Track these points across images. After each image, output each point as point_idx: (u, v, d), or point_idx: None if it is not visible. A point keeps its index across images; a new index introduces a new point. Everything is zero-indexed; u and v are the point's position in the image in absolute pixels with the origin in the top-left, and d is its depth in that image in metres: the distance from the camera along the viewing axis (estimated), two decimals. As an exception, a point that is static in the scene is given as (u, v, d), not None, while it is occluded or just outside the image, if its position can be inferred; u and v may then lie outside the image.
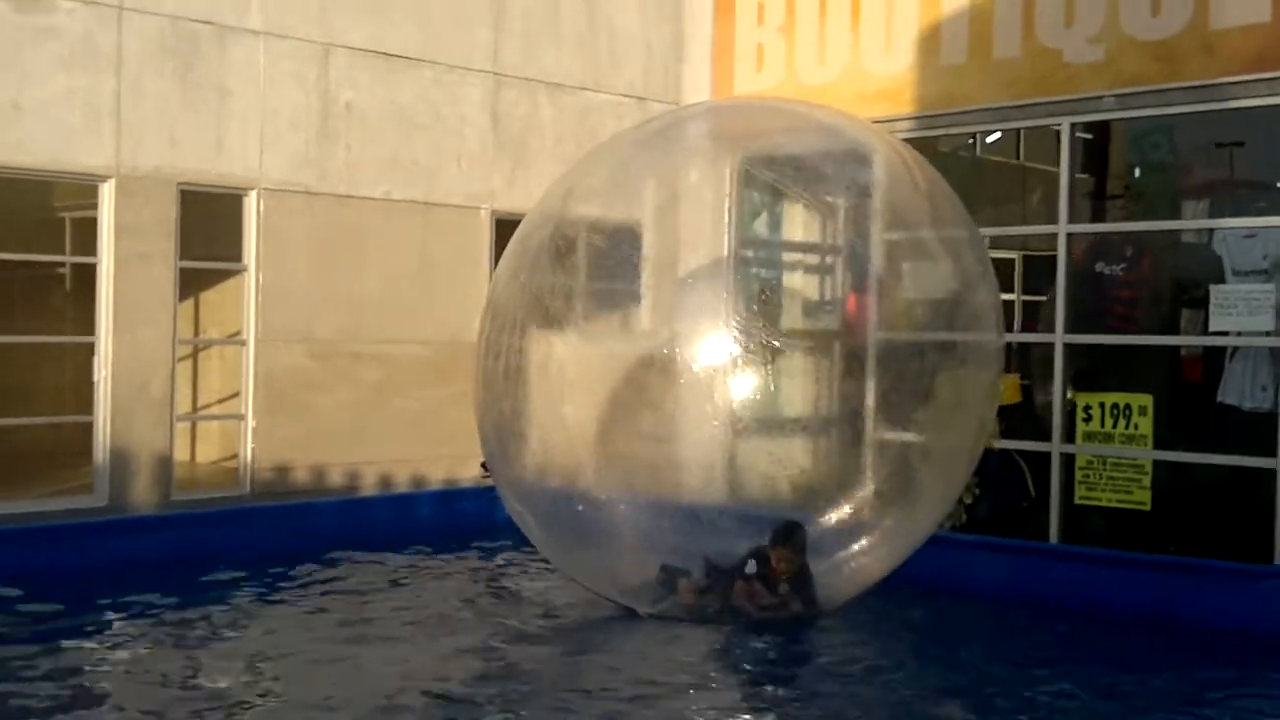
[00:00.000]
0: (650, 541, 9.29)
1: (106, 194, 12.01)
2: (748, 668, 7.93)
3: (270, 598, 9.87)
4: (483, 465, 9.07)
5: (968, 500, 10.07)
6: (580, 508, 9.87)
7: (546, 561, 9.68)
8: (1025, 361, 10.53)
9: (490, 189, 14.51)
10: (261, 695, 7.17)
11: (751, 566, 8.62)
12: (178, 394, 15.22)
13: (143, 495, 12.25)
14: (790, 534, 8.74)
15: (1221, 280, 9.06)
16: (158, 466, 12.35)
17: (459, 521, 12.49)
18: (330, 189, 13.38)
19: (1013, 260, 11.91)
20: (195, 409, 15.29)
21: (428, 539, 11.66)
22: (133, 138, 12.07)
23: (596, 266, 10.40)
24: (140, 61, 12.04)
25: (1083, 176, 10.37)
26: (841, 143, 9.15)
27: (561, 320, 10.28)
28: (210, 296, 15.16)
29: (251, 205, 12.93)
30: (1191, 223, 9.78)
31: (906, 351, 9.61)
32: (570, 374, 12.62)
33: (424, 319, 14.00)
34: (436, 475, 13.98)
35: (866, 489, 9.41)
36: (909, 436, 9.11)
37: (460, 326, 13.66)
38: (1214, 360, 9.35)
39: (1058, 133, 9.80)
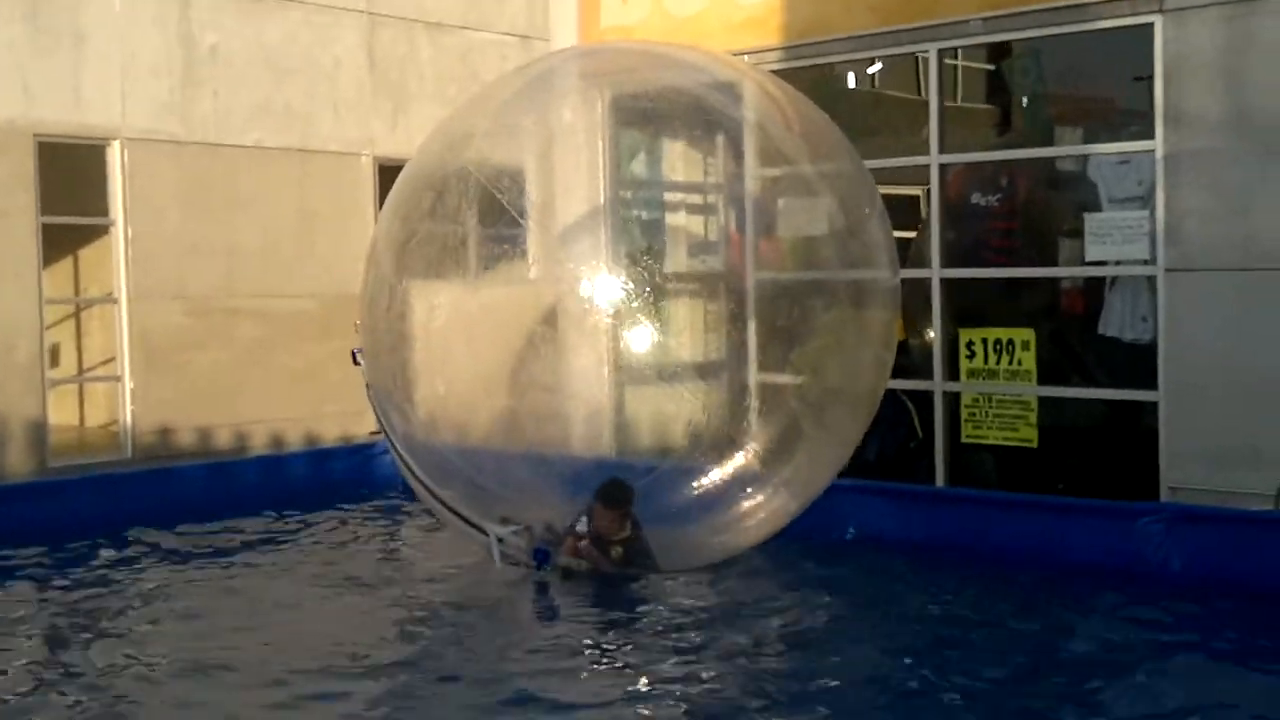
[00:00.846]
0: (526, 496, 9.00)
1: (-44, 149, 11.46)
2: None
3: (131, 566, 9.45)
4: (354, 354, 8.71)
5: (855, 442, 9.86)
6: (464, 462, 9.56)
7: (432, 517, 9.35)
8: (906, 299, 10.30)
9: (370, 135, 14.04)
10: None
11: (583, 524, 8.21)
12: (65, 357, 14.90)
13: (15, 463, 11.79)
14: (611, 496, 8.29)
15: (1098, 209, 8.86)
16: (31, 433, 11.89)
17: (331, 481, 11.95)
18: (198, 137, 12.87)
19: (917, 197, 11.65)
20: (81, 371, 14.76)
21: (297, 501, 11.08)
22: (-17, 89, 11.51)
23: (481, 214, 10.04)
24: (-15, 7, 11.47)
25: (958, 105, 10.13)
26: (710, 79, 8.83)
27: (445, 269, 9.92)
28: (89, 254, 14.58)
29: (115, 156, 12.40)
30: (1062, 149, 9.56)
31: (788, 292, 9.38)
32: (456, 324, 12.33)
33: (305, 272, 13.55)
34: (329, 433, 13.59)
35: (753, 437, 9.18)
36: (795, 380, 8.88)
37: (345, 279, 13.16)
38: (1095, 292, 9.17)
39: (923, 60, 9.56)
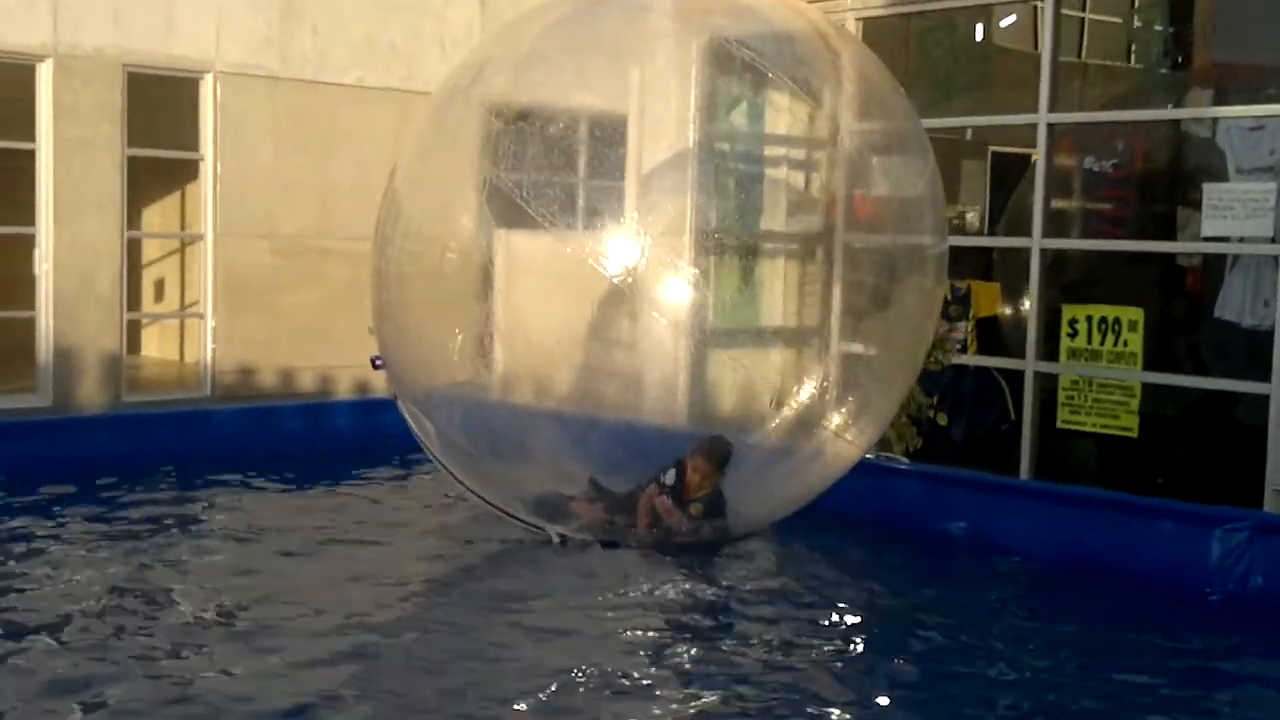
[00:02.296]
0: (571, 458, 8.39)
1: (44, 75, 11.26)
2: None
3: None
4: (374, 360, 8.12)
5: (942, 423, 9.05)
6: (507, 420, 9.02)
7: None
8: (1002, 270, 9.40)
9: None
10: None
11: (670, 476, 7.69)
12: (169, 293, 14.81)
13: (90, 395, 11.63)
14: (713, 448, 7.79)
15: (1224, 179, 7.85)
16: (106, 366, 11.70)
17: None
18: (295, 74, 12.51)
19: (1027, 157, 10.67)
20: (184, 307, 14.62)
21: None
22: (72, 15, 11.27)
23: (560, 159, 9.44)
24: (79, -67, 11.23)
25: (1079, 61, 9.14)
26: (797, 29, 8.09)
27: (519, 218, 9.33)
28: (195, 190, 14.40)
29: (208, 90, 12.11)
30: (1186, 111, 8.51)
31: (871, 257, 8.61)
32: (534, 277, 11.78)
33: (401, 214, 13.12)
34: (417, 380, 13.17)
35: (822, 405, 8.46)
36: (863, 349, 8.13)
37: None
38: (1215, 271, 8.17)
39: (1036, 9, 8.58)
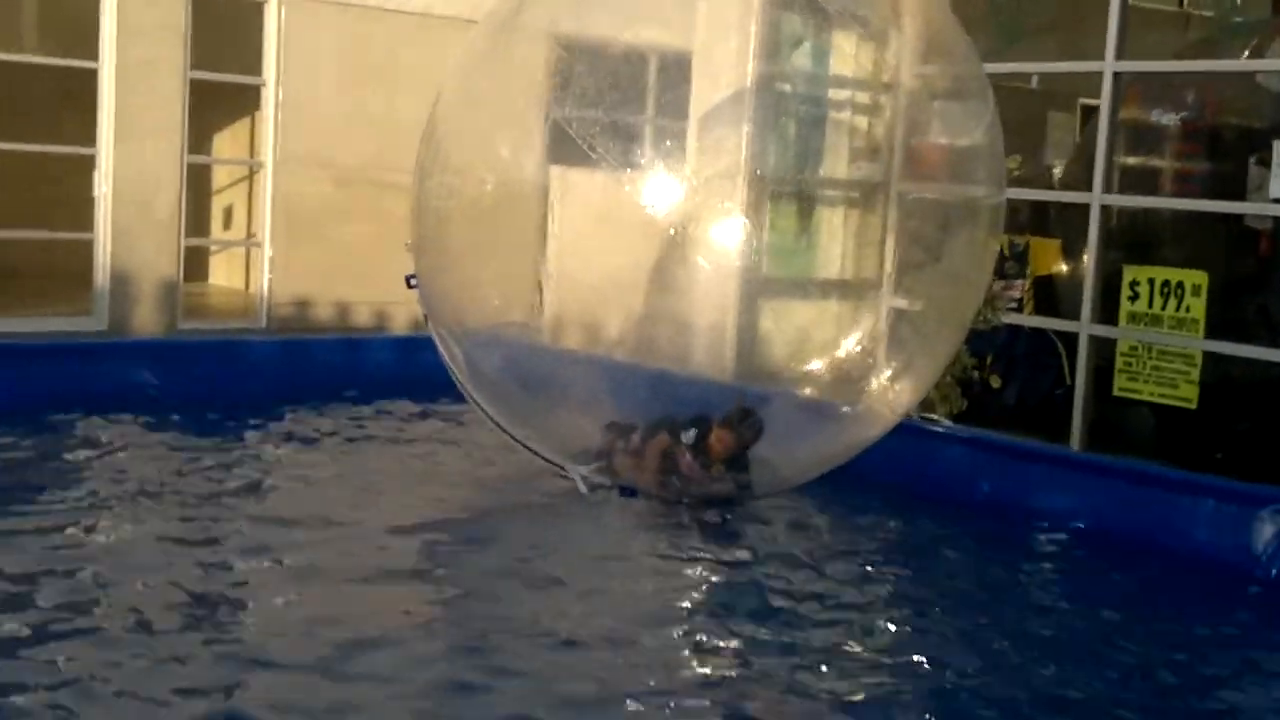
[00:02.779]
0: (606, 403, 8.15)
1: (108, -7, 11.19)
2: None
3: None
4: (409, 279, 7.87)
5: (995, 385, 8.68)
6: (545, 361, 8.81)
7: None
8: (1062, 228, 8.94)
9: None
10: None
11: (690, 435, 7.38)
12: (237, 220, 14.76)
13: (146, 321, 11.63)
14: (743, 426, 7.45)
15: (1294, 137, 7.36)
16: (163, 292, 11.70)
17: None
18: (361, 0, 12.33)
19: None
20: (249, 236, 14.58)
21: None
22: (137, -65, 11.19)
23: (615, 97, 9.16)
24: None
25: (1149, 6, 8.63)
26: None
27: (571, 156, 9.07)
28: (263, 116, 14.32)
29: (272, 14, 11.98)
30: (1261, 63, 7.97)
31: (928, 207, 8.24)
32: (587, 218, 11.53)
33: (465, 149, 12.92)
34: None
35: (865, 363, 8.15)
36: (916, 305, 7.78)
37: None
38: (1284, 235, 7.71)
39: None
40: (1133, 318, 8.14)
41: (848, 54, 9.59)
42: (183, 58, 11.52)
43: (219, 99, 13.03)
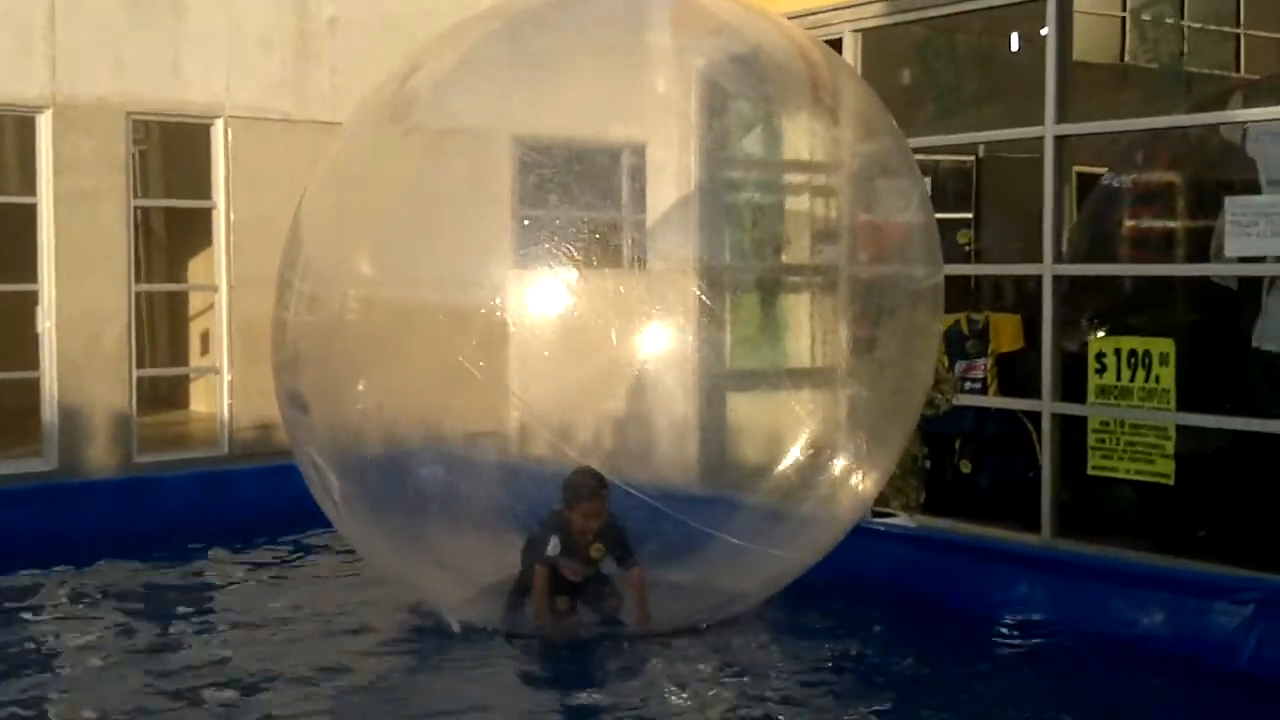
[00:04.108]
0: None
1: (43, 126, 10.92)
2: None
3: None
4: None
5: (965, 470, 8.10)
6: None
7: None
8: (1029, 301, 8.38)
9: (507, 109, 12.88)
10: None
11: (555, 545, 6.79)
12: (199, 344, 14.41)
13: (99, 458, 11.21)
14: (586, 486, 6.89)
15: (1256, 191, 6.79)
16: (116, 426, 11.28)
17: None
18: (312, 116, 12.03)
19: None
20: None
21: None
22: (70, 63, 10.93)
23: (562, 193, 8.77)
24: (74, -23, 10.88)
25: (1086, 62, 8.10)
26: (780, 48, 7.32)
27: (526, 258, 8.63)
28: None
29: (219, 135, 11.69)
30: (1204, 117, 7.41)
31: (876, 288, 7.73)
32: (544, 321, 11.05)
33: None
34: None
35: (833, 455, 7.58)
36: (862, 391, 7.25)
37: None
38: (1253, 294, 7.10)
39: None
40: (1102, 391, 7.54)
41: (795, 136, 9.18)
42: (126, 186, 11.22)
43: (193, 224, 12.77)
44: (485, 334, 10.21)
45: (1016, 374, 8.15)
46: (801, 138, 8.18)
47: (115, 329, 11.23)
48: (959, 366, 7.99)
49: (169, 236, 14.90)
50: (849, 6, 8.33)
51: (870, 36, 8.41)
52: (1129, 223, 7.92)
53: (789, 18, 8.03)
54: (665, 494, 8.28)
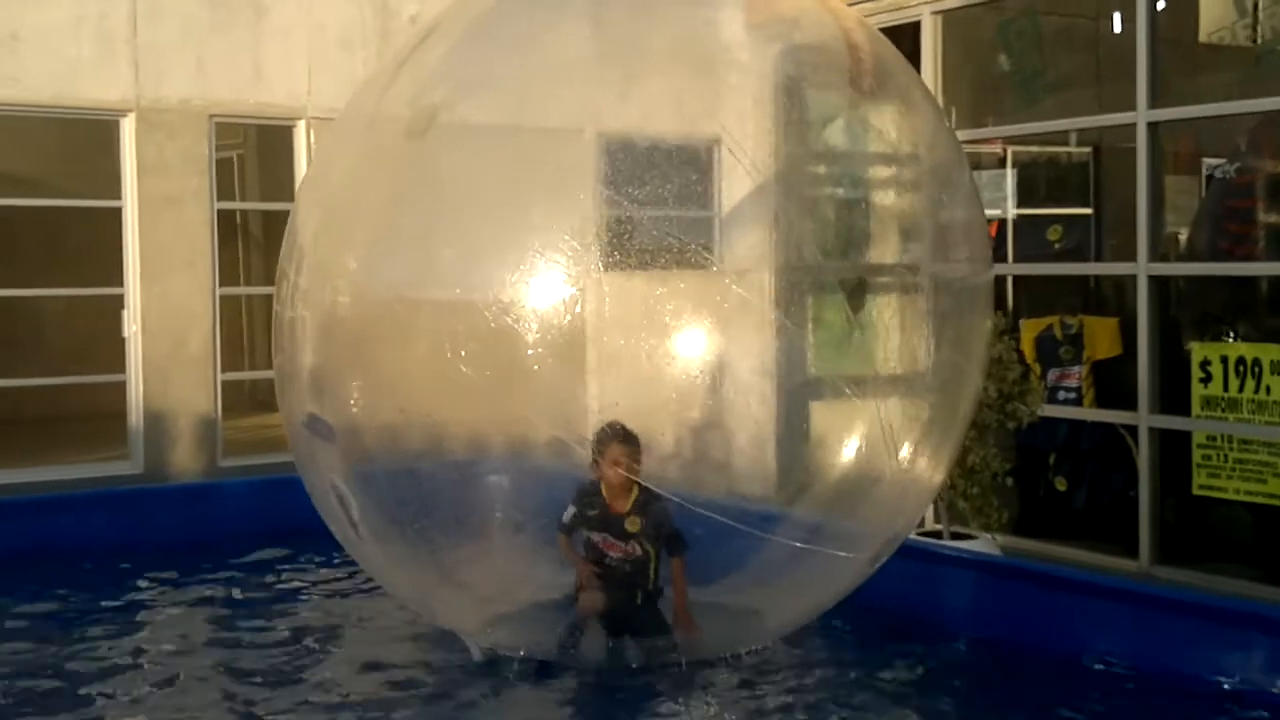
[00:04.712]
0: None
1: (126, 130, 10.87)
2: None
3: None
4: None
5: (1060, 488, 7.55)
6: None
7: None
8: (1120, 304, 7.78)
9: (596, 109, 12.54)
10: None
11: (569, 513, 6.27)
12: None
13: (184, 462, 11.15)
14: (607, 431, 6.35)
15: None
16: (201, 430, 11.20)
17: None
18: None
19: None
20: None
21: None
22: (154, 66, 10.85)
23: (636, 190, 8.39)
24: (157, -22, 10.80)
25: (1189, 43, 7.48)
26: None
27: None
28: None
29: (300, 137, 11.54)
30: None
31: (946, 289, 7.23)
32: (617, 322, 10.67)
33: (516, 259, 12.25)
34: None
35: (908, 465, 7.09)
36: (923, 402, 6.77)
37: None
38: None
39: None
40: (1207, 402, 6.95)
41: (876, 128, 8.69)
42: (209, 188, 11.12)
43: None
44: (555, 340, 9.91)
45: (1115, 382, 7.59)
46: (875, 129, 7.69)
47: (200, 332, 11.15)
48: (1051, 375, 7.44)
49: (265, 239, 14.85)
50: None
51: (951, 19, 7.90)
52: (1239, 218, 7.30)
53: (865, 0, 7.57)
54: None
